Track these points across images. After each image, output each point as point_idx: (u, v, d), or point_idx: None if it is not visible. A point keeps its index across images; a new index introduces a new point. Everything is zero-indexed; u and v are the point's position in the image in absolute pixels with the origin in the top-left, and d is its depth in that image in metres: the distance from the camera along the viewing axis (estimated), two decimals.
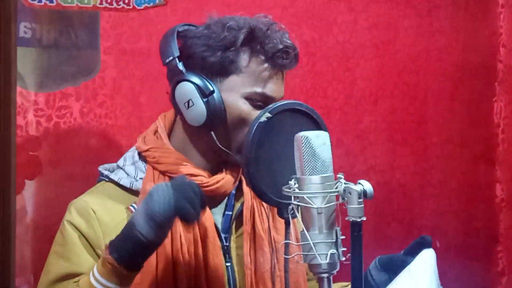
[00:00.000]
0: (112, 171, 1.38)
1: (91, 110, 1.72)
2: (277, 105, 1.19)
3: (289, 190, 1.08)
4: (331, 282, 1.07)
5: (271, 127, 1.17)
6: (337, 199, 1.09)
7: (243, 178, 1.42)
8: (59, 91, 1.66)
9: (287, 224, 1.15)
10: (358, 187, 1.04)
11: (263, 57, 1.33)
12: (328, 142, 1.09)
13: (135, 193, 1.35)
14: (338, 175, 1.08)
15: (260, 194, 1.16)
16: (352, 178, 1.09)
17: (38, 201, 1.66)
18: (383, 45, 2.17)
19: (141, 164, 1.37)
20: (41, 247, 1.62)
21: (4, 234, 0.85)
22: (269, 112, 1.17)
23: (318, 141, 1.07)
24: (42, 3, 1.30)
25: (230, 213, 1.41)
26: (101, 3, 1.36)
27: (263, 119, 1.17)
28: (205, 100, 1.31)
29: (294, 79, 1.99)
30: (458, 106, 2.31)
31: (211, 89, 1.31)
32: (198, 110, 1.32)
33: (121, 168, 1.37)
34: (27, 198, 1.66)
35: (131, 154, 1.39)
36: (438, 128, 2.29)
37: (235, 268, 1.39)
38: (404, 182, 2.23)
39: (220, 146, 1.34)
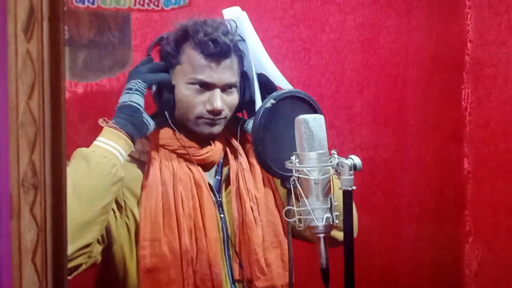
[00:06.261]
0: None
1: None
2: (280, 93, 1.23)
3: (291, 165, 1.11)
4: (327, 241, 1.13)
5: (275, 111, 1.20)
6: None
7: (228, 149, 1.51)
8: (94, 83, 1.72)
9: (289, 192, 1.16)
10: (349, 161, 1.08)
11: (197, 49, 1.41)
12: (324, 124, 1.12)
13: (143, 163, 1.45)
14: (332, 151, 1.12)
15: (266, 168, 1.22)
16: (342, 154, 1.13)
17: None
18: (368, 42, 2.21)
19: (145, 141, 1.48)
20: None
21: (58, 207, 0.84)
22: (274, 99, 1.21)
23: (315, 123, 1.10)
24: (85, 5, 1.38)
25: (220, 177, 1.50)
26: (134, 5, 1.41)
27: (268, 104, 1.20)
28: (157, 85, 1.44)
29: (293, 71, 2.07)
30: (431, 93, 2.34)
31: (163, 77, 1.43)
32: (156, 94, 1.46)
33: None
34: None
35: None
36: (415, 112, 2.32)
37: (227, 219, 1.47)
38: (386, 158, 2.27)
39: (171, 124, 1.44)
